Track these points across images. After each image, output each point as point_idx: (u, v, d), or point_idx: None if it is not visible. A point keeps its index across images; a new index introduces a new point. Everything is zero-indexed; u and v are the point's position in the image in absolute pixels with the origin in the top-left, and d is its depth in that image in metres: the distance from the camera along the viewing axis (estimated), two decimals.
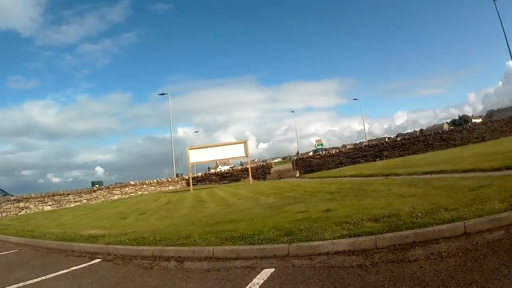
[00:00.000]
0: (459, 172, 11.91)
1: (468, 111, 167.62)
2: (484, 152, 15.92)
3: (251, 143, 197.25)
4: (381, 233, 5.36)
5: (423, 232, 5.12)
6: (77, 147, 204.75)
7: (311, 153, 64.80)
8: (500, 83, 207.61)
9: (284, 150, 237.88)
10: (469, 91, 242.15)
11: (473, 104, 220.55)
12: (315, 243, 5.51)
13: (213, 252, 5.97)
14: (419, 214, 6.11)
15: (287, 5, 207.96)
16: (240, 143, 27.37)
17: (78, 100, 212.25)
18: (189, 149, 27.12)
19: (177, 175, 46.07)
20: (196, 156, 26.73)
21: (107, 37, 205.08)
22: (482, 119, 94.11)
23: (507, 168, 10.39)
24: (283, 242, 5.75)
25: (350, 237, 5.51)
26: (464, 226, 5.07)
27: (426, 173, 13.58)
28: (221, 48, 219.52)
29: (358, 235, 5.50)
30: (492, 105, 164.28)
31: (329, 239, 5.57)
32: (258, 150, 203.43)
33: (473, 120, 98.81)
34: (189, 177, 30.12)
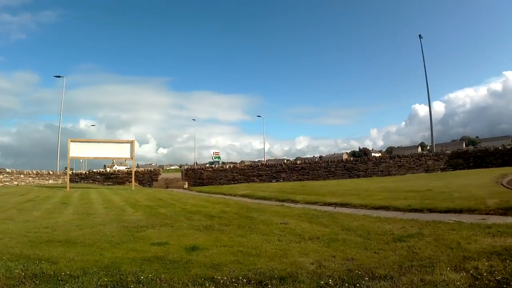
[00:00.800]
0: (369, 208, 10.51)
1: (368, 144, 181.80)
2: (393, 188, 14.97)
3: (151, 147, 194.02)
4: None
5: None
6: None
7: (208, 165, 63.27)
8: (403, 123, 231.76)
9: (183, 158, 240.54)
10: (372, 127, 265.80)
11: (374, 139, 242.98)
12: None
13: None
14: (331, 282, 3.82)
15: (203, 14, 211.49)
16: (126, 142, 25.08)
17: None
18: (71, 141, 23.91)
19: (66, 169, 42.32)
20: (78, 150, 23.93)
21: (27, 11, 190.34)
22: (382, 154, 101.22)
23: (430, 210, 9.08)
24: None
25: None
26: None
27: (329, 204, 12.15)
28: (136, 45, 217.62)
29: None
30: (393, 142, 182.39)
31: None
32: (157, 154, 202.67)
33: (373, 154, 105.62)
34: (67, 173, 26.97)
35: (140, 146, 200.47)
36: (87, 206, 13.61)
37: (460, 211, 8.60)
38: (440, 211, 8.81)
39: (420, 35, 36.93)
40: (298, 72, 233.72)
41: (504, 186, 12.24)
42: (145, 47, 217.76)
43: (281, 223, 8.11)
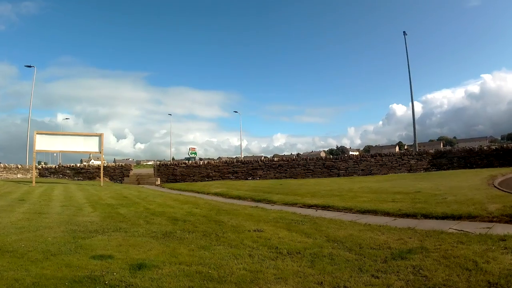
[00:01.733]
0: (355, 212, 9.50)
1: (346, 143, 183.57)
2: (378, 188, 14.05)
3: (128, 142, 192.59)
4: None
5: None
6: None
7: (183, 160, 62.52)
8: (381, 122, 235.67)
9: (161, 153, 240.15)
10: (350, 125, 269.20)
11: (351, 138, 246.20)
12: None
13: None
14: None
15: (182, 9, 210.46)
16: (94, 135, 24.14)
17: None
18: (37, 133, 22.65)
19: (39, 163, 43.25)
20: (44, 143, 22.73)
21: (7, 1, 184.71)
22: (360, 152, 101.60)
23: (425, 216, 8.07)
24: None
25: None
26: None
27: (310, 206, 11.14)
28: (114, 39, 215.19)
29: None
30: (370, 141, 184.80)
31: None
32: (134, 149, 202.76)
33: (350, 152, 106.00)
34: (33, 167, 25.30)
35: (117, 141, 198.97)
36: (44, 203, 12.44)
37: (459, 217, 7.61)
38: (437, 217, 7.82)
39: (404, 32, 35.44)
40: (277, 70, 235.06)
41: (499, 188, 11.42)
42: (124, 41, 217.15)
43: (254, 230, 6.94)
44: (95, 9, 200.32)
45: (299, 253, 5.14)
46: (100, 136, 23.65)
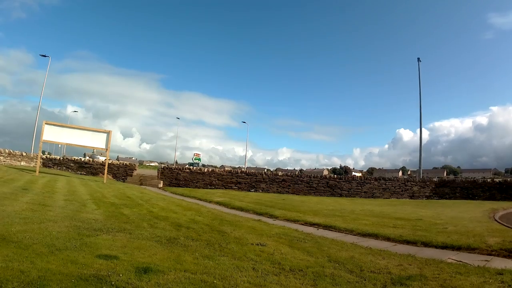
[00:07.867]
0: (356, 234, 9.59)
1: (350, 163, 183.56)
2: (380, 213, 14.09)
3: (134, 141, 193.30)
4: None
5: None
6: None
7: (187, 166, 62.22)
8: (386, 146, 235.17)
9: (166, 156, 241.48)
10: (356, 146, 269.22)
11: (356, 159, 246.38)
12: None
13: None
14: None
15: (202, 16, 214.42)
16: (102, 132, 24.15)
17: None
18: (45, 123, 22.83)
19: (43, 153, 43.17)
20: (52, 134, 22.87)
21: None
22: (363, 174, 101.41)
23: (425, 244, 8.17)
24: None
25: None
26: None
27: (312, 224, 11.24)
28: (133, 39, 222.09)
29: None
30: (374, 163, 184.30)
31: None
32: (140, 149, 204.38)
33: (353, 173, 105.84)
34: (38, 156, 25.51)
35: (124, 139, 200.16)
36: (48, 195, 12.38)
37: (458, 248, 7.71)
38: (436, 246, 7.91)
39: (418, 58, 35.77)
40: (288, 85, 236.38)
41: (499, 222, 11.45)
42: (142, 42, 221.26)
43: (257, 244, 7.03)
44: (116, 8, 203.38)
45: (302, 270, 5.23)
46: (108, 133, 23.75)
